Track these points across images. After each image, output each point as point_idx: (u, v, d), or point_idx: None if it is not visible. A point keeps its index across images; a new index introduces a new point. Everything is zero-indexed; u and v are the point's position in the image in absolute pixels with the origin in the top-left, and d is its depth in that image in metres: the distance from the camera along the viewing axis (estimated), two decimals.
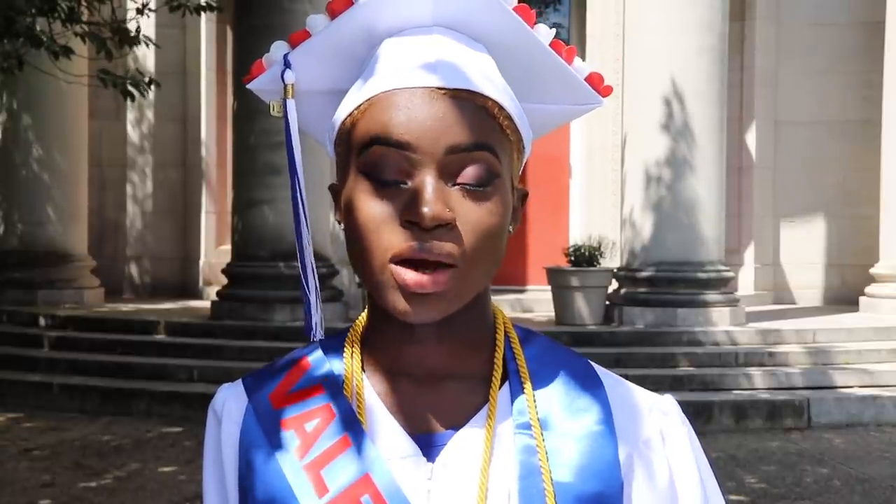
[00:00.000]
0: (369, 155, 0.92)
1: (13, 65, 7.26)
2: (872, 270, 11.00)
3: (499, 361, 1.00)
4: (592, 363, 1.04)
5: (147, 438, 7.19)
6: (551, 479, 0.94)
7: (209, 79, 12.54)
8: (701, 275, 9.54)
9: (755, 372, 8.47)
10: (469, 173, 0.91)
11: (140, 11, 7.86)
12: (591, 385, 1.01)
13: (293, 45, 1.00)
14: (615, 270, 9.88)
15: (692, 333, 9.15)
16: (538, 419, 0.97)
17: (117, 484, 5.99)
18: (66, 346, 9.36)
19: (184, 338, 9.20)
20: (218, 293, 9.99)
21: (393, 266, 0.90)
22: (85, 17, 8.08)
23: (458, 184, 0.91)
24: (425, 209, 0.88)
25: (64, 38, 7.44)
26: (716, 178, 9.63)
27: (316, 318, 1.05)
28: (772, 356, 8.82)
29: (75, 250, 11.54)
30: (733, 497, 5.82)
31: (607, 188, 11.84)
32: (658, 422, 1.01)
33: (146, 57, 12.25)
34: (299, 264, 1.05)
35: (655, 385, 7.80)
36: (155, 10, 8.91)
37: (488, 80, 0.94)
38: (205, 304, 10.78)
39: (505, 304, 10.98)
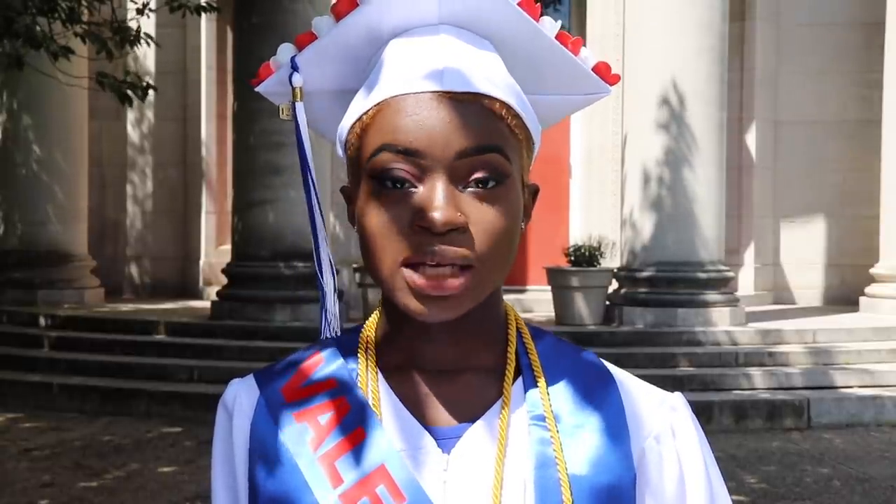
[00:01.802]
0: (379, 161, 0.92)
1: (13, 65, 7.26)
2: (872, 270, 11.00)
3: (511, 355, 1.01)
4: (602, 360, 1.06)
5: (147, 438, 7.18)
6: (566, 470, 0.95)
7: (209, 79, 12.54)
8: (701, 275, 9.54)
9: (755, 372, 8.47)
10: (479, 176, 0.92)
11: (140, 12, 7.87)
12: (602, 380, 1.02)
13: (299, 48, 1.01)
14: (615, 270, 9.88)
15: (692, 333, 9.15)
16: (552, 412, 0.98)
17: (117, 484, 5.99)
18: (66, 346, 9.36)
19: (184, 338, 9.20)
20: (218, 293, 9.99)
21: (405, 270, 0.91)
22: (85, 18, 8.08)
23: (469, 187, 0.92)
24: (436, 214, 0.89)
25: (64, 38, 7.44)
26: (716, 178, 9.63)
27: (332, 314, 1.06)
28: (772, 356, 8.82)
29: (75, 250, 11.55)
30: (733, 497, 5.79)
31: (607, 188, 11.84)
32: (668, 417, 1.03)
33: (146, 57, 12.25)
34: (315, 262, 1.07)
35: (655, 385, 7.77)
36: (155, 11, 8.91)
37: (495, 81, 0.95)
38: (205, 304, 10.78)
39: None
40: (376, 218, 0.92)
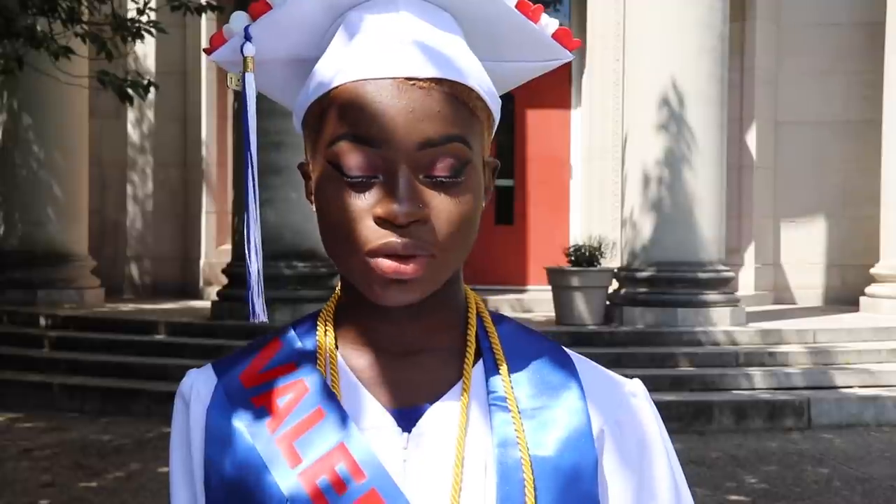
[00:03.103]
0: (339, 149, 0.91)
1: (13, 66, 7.26)
2: (873, 270, 11.00)
3: (472, 337, 1.00)
4: (562, 346, 1.05)
5: (147, 438, 7.19)
6: (528, 450, 0.95)
7: (209, 79, 12.53)
8: (701, 275, 9.53)
9: (755, 372, 8.46)
10: (441, 166, 0.91)
11: (140, 12, 7.85)
12: (562, 364, 1.02)
13: (254, 17, 0.98)
14: (615, 270, 9.88)
15: (692, 333, 9.14)
16: (513, 394, 0.98)
17: (117, 484, 5.99)
18: (66, 346, 9.36)
19: (184, 338, 9.20)
20: (218, 293, 9.98)
21: (367, 259, 0.91)
22: (85, 17, 8.07)
23: (430, 177, 0.91)
24: (398, 207, 0.88)
25: (64, 38, 7.43)
26: (716, 179, 9.63)
27: (256, 300, 1.04)
28: (772, 356, 8.82)
29: (75, 250, 11.54)
30: (733, 497, 5.82)
31: (607, 188, 11.83)
32: (628, 402, 1.03)
33: (146, 57, 12.25)
34: (245, 243, 1.03)
35: (655, 385, 7.79)
36: (156, 10, 8.91)
37: (458, 64, 0.93)
38: (205, 304, 10.78)
39: (505, 304, 10.97)
40: (336, 207, 0.91)
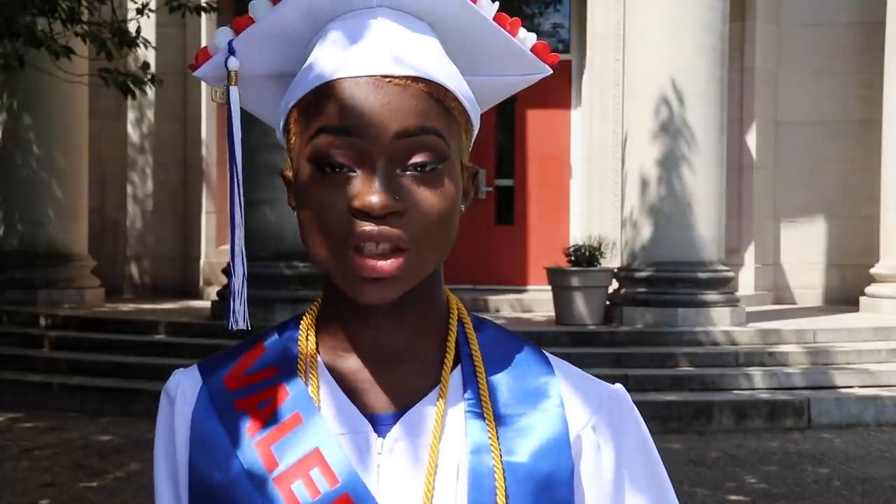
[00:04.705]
0: (317, 143, 0.93)
1: (13, 65, 7.26)
2: (873, 270, 11.00)
3: (451, 344, 1.01)
4: (544, 351, 1.06)
5: (147, 438, 7.16)
6: (501, 457, 0.96)
7: None
8: (701, 275, 9.53)
9: (755, 372, 8.47)
10: (417, 158, 0.92)
11: (140, 12, 7.86)
12: (541, 370, 1.03)
13: (237, 31, 1.00)
14: (615, 270, 9.88)
15: (692, 333, 9.14)
16: (489, 400, 0.99)
17: (117, 484, 5.99)
18: (66, 346, 9.36)
19: (184, 338, 9.20)
20: (218, 293, 9.99)
21: (346, 255, 0.92)
22: (85, 18, 8.08)
23: (407, 170, 0.92)
24: (374, 198, 0.90)
25: (64, 38, 7.44)
26: (715, 179, 9.63)
27: (237, 306, 1.07)
28: (772, 356, 8.82)
29: (75, 250, 11.54)
30: (733, 497, 5.82)
31: (607, 188, 11.83)
32: (606, 407, 1.03)
33: (146, 57, 12.24)
34: (230, 250, 1.05)
35: (655, 385, 7.80)
36: (155, 11, 8.91)
37: (433, 65, 0.95)
38: (205, 304, 10.78)
39: (505, 304, 10.97)
40: (316, 201, 0.93)
